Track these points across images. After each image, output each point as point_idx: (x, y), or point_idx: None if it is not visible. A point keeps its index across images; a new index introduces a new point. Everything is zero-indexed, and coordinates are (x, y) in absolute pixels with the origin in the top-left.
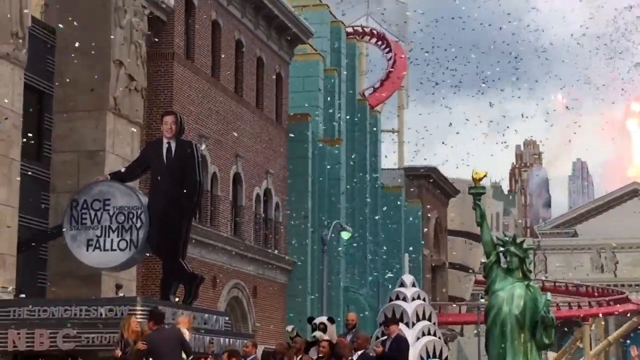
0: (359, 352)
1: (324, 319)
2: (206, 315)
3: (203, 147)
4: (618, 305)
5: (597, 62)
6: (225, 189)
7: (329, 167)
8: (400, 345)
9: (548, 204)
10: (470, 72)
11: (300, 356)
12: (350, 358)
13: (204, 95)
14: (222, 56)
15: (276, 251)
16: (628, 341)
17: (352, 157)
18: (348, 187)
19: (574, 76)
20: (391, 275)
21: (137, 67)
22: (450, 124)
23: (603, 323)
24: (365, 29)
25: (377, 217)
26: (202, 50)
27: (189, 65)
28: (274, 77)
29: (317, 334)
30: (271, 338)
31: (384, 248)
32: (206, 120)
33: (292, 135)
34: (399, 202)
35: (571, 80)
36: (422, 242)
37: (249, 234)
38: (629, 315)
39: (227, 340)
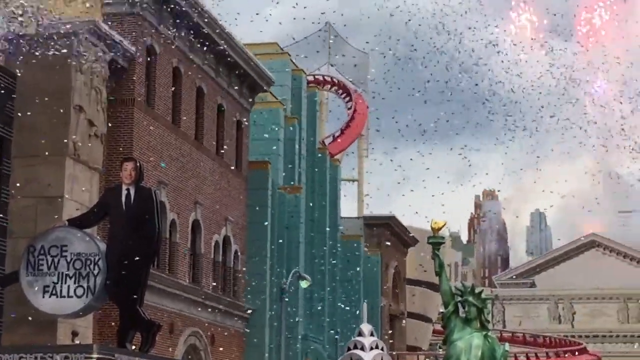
0: None
1: None
2: None
3: (162, 194)
4: (575, 356)
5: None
6: (184, 236)
7: (288, 215)
8: None
9: (506, 255)
10: (432, 121)
11: None
12: None
13: (164, 142)
14: (183, 103)
15: (234, 299)
16: None
17: (312, 205)
18: (307, 235)
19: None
20: (350, 324)
21: (97, 113)
22: (410, 173)
23: None
24: (326, 77)
25: (336, 266)
26: (163, 97)
27: (149, 112)
28: (235, 124)
29: None
30: None
31: (343, 297)
32: (166, 167)
33: (252, 183)
34: (358, 251)
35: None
36: (381, 291)
37: (208, 281)
38: None
39: None
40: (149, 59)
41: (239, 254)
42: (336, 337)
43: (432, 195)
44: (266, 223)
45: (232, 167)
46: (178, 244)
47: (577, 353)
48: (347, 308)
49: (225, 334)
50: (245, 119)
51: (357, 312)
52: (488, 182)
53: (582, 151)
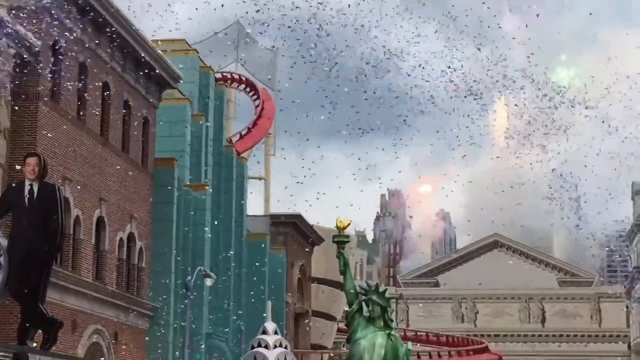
0: None
1: None
2: None
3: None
4: (477, 355)
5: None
6: (88, 232)
7: (194, 212)
8: None
9: (411, 254)
10: (340, 120)
11: None
12: None
13: (68, 138)
14: (89, 98)
15: (138, 296)
16: None
17: (218, 203)
18: (213, 233)
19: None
20: (254, 322)
21: (0, 107)
22: (317, 172)
23: None
24: (234, 75)
25: (241, 264)
26: (68, 92)
27: (54, 107)
28: (141, 120)
29: None
30: None
31: (248, 295)
32: (71, 163)
33: (158, 180)
34: (263, 249)
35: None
36: (286, 289)
37: (111, 278)
38: None
39: None
40: (54, 54)
41: (144, 251)
42: (240, 335)
43: (338, 194)
44: (172, 221)
45: (138, 164)
46: (82, 240)
47: (479, 352)
48: (252, 306)
49: (129, 331)
50: (151, 116)
51: (262, 310)
52: (394, 181)
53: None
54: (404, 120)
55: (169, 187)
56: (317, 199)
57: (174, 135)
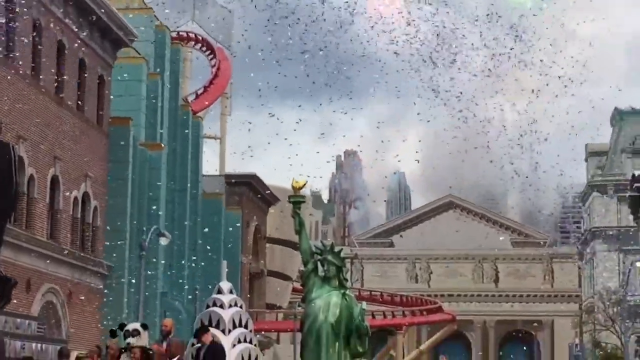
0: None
1: (136, 325)
2: (18, 320)
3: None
4: (431, 315)
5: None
6: (43, 191)
7: (149, 172)
8: (216, 353)
9: (366, 214)
10: (297, 80)
11: None
12: None
13: (23, 96)
14: (43, 57)
15: (93, 255)
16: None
17: (174, 162)
18: (168, 192)
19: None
20: (209, 281)
21: None
22: (273, 132)
23: (416, 332)
24: (190, 34)
25: (196, 224)
26: (23, 50)
27: (8, 65)
28: (97, 79)
29: (130, 340)
30: (85, 343)
31: (203, 254)
32: (25, 122)
33: (113, 139)
34: (219, 209)
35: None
36: (242, 249)
37: (66, 237)
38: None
39: (39, 345)
40: (8, 11)
41: (99, 210)
42: (195, 294)
43: (294, 155)
44: (127, 180)
45: (93, 123)
46: (36, 199)
47: (433, 312)
48: (207, 266)
49: (83, 290)
50: (107, 75)
51: (217, 269)
52: (350, 142)
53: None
54: (361, 81)
55: (125, 146)
56: (273, 159)
57: (130, 94)
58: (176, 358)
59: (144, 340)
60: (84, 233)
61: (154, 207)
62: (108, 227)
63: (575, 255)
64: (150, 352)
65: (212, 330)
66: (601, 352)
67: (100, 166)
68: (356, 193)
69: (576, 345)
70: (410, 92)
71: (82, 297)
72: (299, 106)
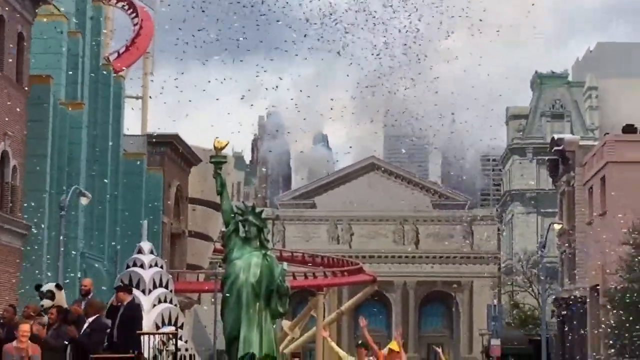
0: (92, 319)
1: (51, 286)
2: None
3: None
4: (352, 276)
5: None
6: None
7: (70, 131)
8: (133, 312)
9: (288, 175)
10: (221, 40)
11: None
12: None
13: None
14: None
15: (12, 215)
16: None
17: (94, 121)
18: (89, 152)
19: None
20: (130, 242)
21: None
22: (196, 92)
23: (337, 293)
24: None
25: (117, 183)
26: None
27: None
28: (16, 36)
29: (45, 302)
30: (4, 303)
31: (124, 214)
32: None
33: (33, 98)
34: (140, 169)
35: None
36: (163, 209)
37: None
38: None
39: None
40: None
41: (18, 169)
42: (116, 255)
43: (217, 115)
44: (47, 139)
45: (12, 81)
46: None
47: (354, 273)
48: (128, 226)
49: (2, 250)
50: (27, 32)
51: (138, 230)
52: (273, 102)
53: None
54: (285, 41)
55: (44, 105)
56: (195, 119)
57: (50, 52)
58: (94, 317)
59: (59, 300)
60: (3, 192)
61: (74, 167)
62: (27, 186)
63: (494, 217)
64: (67, 312)
65: (133, 290)
66: (520, 313)
67: (19, 124)
68: (278, 154)
69: (494, 306)
70: (335, 51)
71: (1, 257)
72: (224, 64)
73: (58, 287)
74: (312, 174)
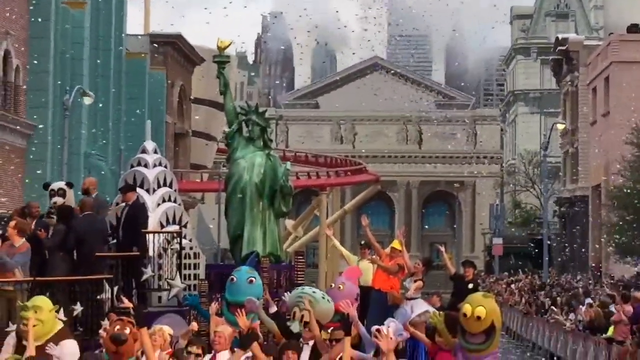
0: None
1: (61, 184)
2: None
3: None
4: (355, 176)
5: None
6: None
7: (72, 30)
8: (138, 211)
9: (292, 75)
10: None
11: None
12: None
13: None
14: None
15: (15, 115)
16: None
17: (97, 21)
18: (91, 51)
19: None
20: (134, 141)
21: None
22: None
23: (340, 193)
24: None
25: (120, 83)
26: None
27: None
28: None
29: (57, 199)
30: (9, 203)
31: (128, 114)
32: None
33: None
34: (143, 69)
35: None
36: (166, 109)
37: None
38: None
39: None
40: None
41: (21, 69)
42: (120, 154)
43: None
44: (49, 38)
45: None
46: None
47: (356, 173)
48: (132, 126)
49: (7, 150)
50: None
51: (142, 130)
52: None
53: None
54: None
55: (47, 4)
56: (198, 19)
57: None
58: (86, 213)
59: (69, 199)
60: (6, 92)
61: (77, 67)
62: (31, 86)
63: (498, 117)
64: (70, 210)
65: (137, 189)
66: (521, 213)
67: (22, 24)
68: (281, 54)
69: (497, 205)
70: None
71: (5, 157)
72: None
73: (69, 185)
74: (315, 74)
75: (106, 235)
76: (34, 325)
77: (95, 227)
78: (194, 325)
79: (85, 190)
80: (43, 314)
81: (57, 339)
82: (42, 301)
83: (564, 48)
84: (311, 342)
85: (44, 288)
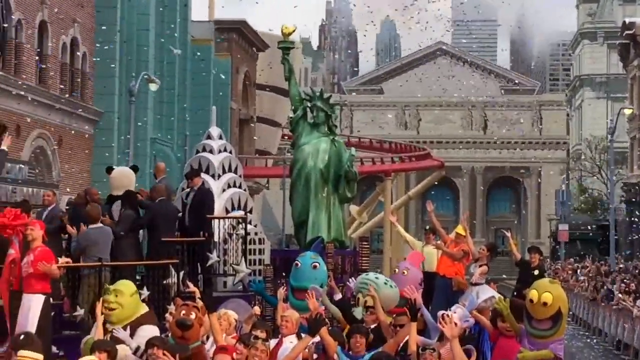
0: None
1: (122, 169)
2: (9, 164)
3: None
4: (420, 161)
5: None
6: (30, 37)
7: (137, 17)
8: (204, 197)
9: (356, 61)
10: None
11: None
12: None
13: None
14: None
15: (83, 101)
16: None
17: (162, 8)
18: (157, 38)
19: None
20: (199, 128)
21: None
22: None
23: (404, 179)
24: None
25: (185, 70)
26: None
27: None
28: None
29: None
30: (76, 188)
31: (193, 100)
32: None
33: None
34: (208, 55)
35: None
36: (231, 95)
37: (55, 83)
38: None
39: (30, 190)
40: None
41: (87, 56)
42: (185, 140)
43: (284, 1)
44: (115, 25)
45: None
46: (24, 44)
47: (421, 159)
48: (197, 112)
49: (74, 136)
50: None
51: (207, 116)
52: None
53: None
54: None
55: None
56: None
57: None
58: (160, 198)
59: (126, 183)
60: (73, 79)
61: (143, 53)
62: (97, 73)
63: (563, 102)
64: (134, 194)
65: (203, 175)
66: (588, 198)
67: (88, 11)
68: (346, 40)
69: (563, 191)
70: None
71: (73, 143)
72: None
73: (134, 168)
74: (379, 60)
75: (176, 221)
76: (114, 309)
77: (169, 212)
78: (257, 309)
79: (156, 176)
80: (124, 298)
81: (137, 323)
82: (124, 285)
83: (631, 32)
84: (372, 326)
85: (113, 273)
